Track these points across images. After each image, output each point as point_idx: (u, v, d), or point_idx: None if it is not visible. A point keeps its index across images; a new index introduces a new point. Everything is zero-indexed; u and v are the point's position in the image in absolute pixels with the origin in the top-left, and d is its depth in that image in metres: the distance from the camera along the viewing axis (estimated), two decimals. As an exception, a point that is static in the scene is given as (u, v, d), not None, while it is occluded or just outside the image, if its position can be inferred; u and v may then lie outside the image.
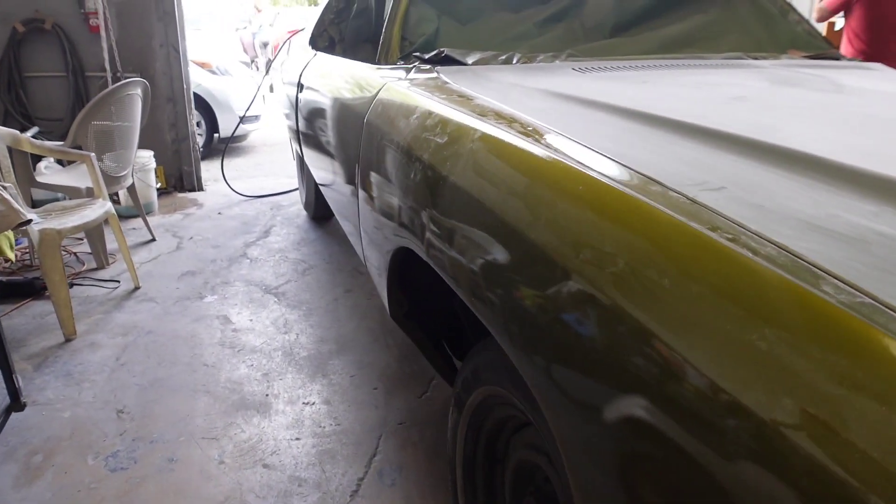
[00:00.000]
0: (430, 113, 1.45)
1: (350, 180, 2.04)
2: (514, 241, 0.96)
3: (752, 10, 2.51)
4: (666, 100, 1.39)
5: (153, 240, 4.02)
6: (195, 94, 5.86)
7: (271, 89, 4.53)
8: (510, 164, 1.07)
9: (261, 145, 7.26)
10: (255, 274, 3.52)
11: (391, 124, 1.61)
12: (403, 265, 1.67)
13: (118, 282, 3.37)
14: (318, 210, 4.22)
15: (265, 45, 14.02)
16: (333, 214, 4.12)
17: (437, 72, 1.82)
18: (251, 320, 2.98)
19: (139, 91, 3.67)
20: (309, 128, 2.90)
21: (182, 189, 5.16)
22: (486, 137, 1.19)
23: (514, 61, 1.93)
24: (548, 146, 1.06)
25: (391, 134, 1.59)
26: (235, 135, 6.44)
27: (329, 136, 2.41)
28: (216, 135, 6.42)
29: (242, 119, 5.51)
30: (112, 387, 2.40)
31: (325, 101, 2.50)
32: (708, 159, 0.95)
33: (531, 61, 1.93)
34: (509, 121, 1.25)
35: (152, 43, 4.78)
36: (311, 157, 3.02)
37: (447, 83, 1.68)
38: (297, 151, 4.31)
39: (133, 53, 4.74)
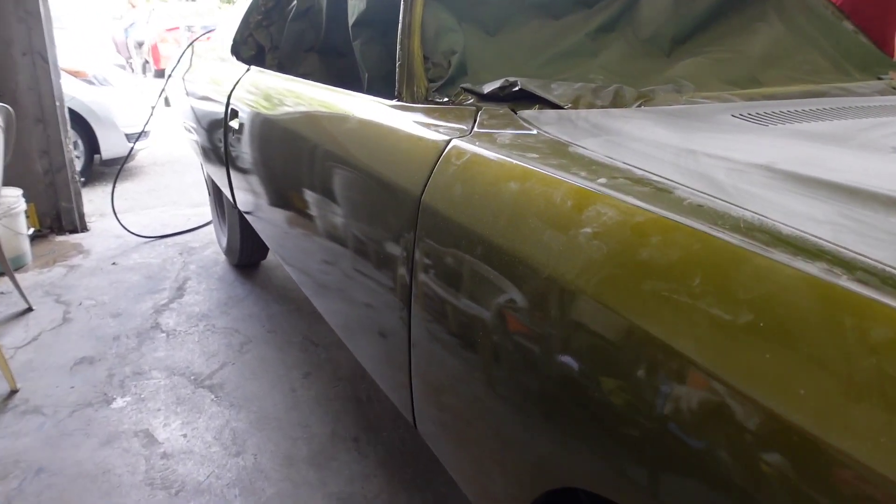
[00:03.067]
0: (617, 223, 0.77)
1: (384, 291, 1.30)
2: None
3: (811, 18, 1.98)
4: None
5: (29, 309, 3.09)
6: (69, 109, 4.85)
7: (167, 103, 3.63)
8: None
9: (151, 165, 6.24)
10: (176, 356, 2.69)
11: (512, 232, 0.91)
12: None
13: (-15, 385, 2.46)
14: (245, 256, 3.41)
15: (140, 44, 12.67)
16: (262, 258, 3.34)
17: (526, 121, 1.14)
18: (185, 435, 2.19)
19: (0, 118, 2.75)
20: (259, 175, 2.13)
21: (61, 230, 4.17)
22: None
23: (629, 101, 1.27)
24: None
25: (521, 254, 0.88)
26: (121, 155, 5.44)
27: (317, 205, 1.65)
28: (97, 156, 5.39)
29: (136, 138, 4.55)
30: None
31: (298, 149, 1.75)
32: None
33: (650, 100, 1.28)
34: (775, 240, 0.61)
35: (11, 51, 3.78)
36: (267, 217, 2.24)
37: (570, 145, 1.00)
38: (212, 185, 3.48)
39: (-14, 64, 3.73)
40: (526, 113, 1.19)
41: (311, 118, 1.69)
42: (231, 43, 2.78)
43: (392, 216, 1.20)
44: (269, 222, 2.20)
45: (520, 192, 0.90)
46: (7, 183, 3.76)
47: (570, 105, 1.22)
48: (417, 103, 1.34)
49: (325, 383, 2.50)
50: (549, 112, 1.20)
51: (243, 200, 2.44)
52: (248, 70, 2.40)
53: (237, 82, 2.38)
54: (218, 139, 2.58)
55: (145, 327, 2.93)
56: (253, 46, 2.80)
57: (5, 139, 2.80)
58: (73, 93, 5.03)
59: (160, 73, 14.01)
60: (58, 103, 3.97)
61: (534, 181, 0.90)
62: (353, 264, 1.45)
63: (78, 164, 5.07)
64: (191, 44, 3.61)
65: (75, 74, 5.19)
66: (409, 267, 1.12)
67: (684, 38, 1.78)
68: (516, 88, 1.25)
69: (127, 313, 3.07)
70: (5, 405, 2.35)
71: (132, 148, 4.47)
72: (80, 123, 5.15)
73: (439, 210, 1.05)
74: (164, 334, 2.87)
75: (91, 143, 5.27)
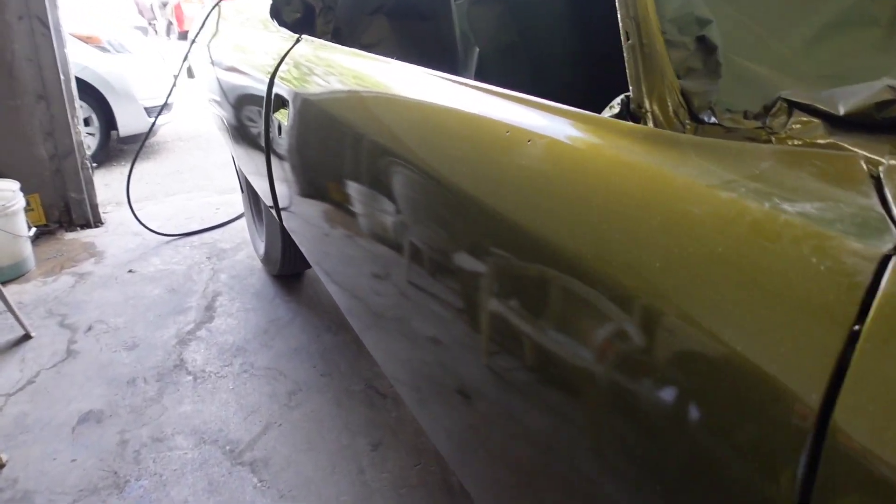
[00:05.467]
0: None
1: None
2: None
3: None
4: None
5: (27, 336, 2.50)
6: (81, 80, 4.25)
7: (190, 73, 2.96)
8: None
9: (174, 141, 5.62)
10: (206, 412, 2.09)
11: None
12: None
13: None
14: (288, 266, 2.79)
15: (163, 4, 11.98)
16: (308, 266, 2.72)
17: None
18: (220, 551, 1.59)
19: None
20: (322, 198, 1.47)
21: (71, 225, 3.58)
22: None
23: None
24: None
25: None
26: (140, 132, 4.82)
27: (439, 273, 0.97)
28: (113, 132, 4.78)
29: (158, 112, 3.89)
30: None
31: (408, 185, 1.06)
32: None
33: None
34: None
35: (5, 15, 3.14)
36: (328, 252, 1.59)
37: None
38: (245, 182, 2.85)
39: (-25, 31, 3.10)
40: None
41: (434, 137, 1.01)
42: (270, 2, 2.10)
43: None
44: (329, 257, 1.56)
45: None
46: (5, 172, 3.17)
47: None
48: (693, 131, 0.66)
49: (402, 460, 1.88)
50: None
51: (293, 221, 1.80)
52: (297, 41, 1.73)
53: (282, 58, 1.71)
54: (255, 131, 1.93)
55: (167, 366, 2.33)
56: (299, 7, 2.12)
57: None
58: (85, 62, 4.41)
59: (184, 35, 13.35)
60: (62, 76, 3.34)
61: None
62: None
63: (93, 143, 4.51)
64: (216, 4, 2.93)
65: (87, 40, 4.55)
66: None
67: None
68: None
69: (145, 343, 2.47)
70: (-16, 491, 1.78)
71: (153, 124, 3.81)
72: (95, 96, 4.53)
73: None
74: (190, 377, 2.27)
75: (107, 118, 4.65)
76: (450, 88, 1.02)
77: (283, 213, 1.90)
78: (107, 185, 4.35)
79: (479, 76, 1.34)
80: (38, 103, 3.34)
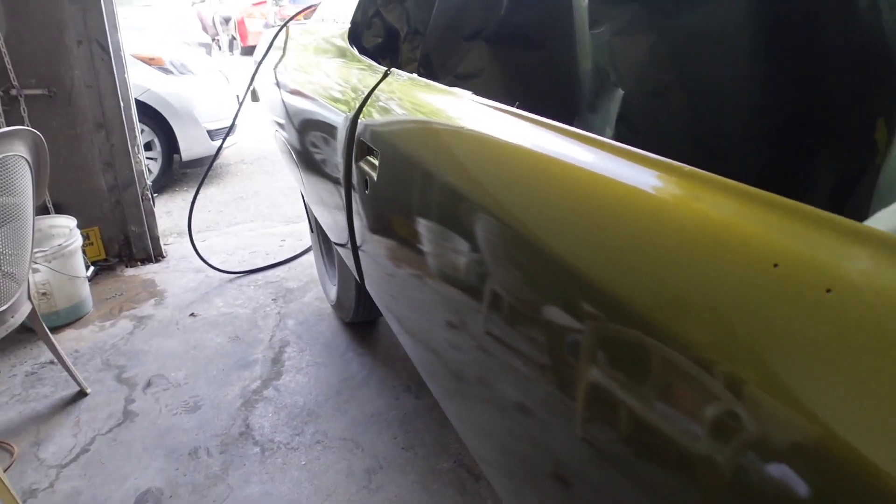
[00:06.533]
0: None
1: None
2: None
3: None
4: None
5: (82, 394, 2.29)
6: (143, 103, 4.09)
7: (255, 97, 2.71)
8: None
9: (237, 163, 5.44)
10: (275, 494, 1.83)
11: None
12: None
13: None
14: (361, 314, 2.51)
15: (227, 20, 12.01)
16: (379, 314, 2.45)
17: None
18: None
19: (23, 146, 1.91)
20: (418, 269, 1.16)
21: (131, 260, 3.39)
22: None
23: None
24: None
25: None
26: (203, 155, 4.66)
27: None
28: (176, 156, 4.62)
29: (223, 137, 3.65)
30: None
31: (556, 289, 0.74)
32: None
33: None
34: None
35: (64, 39, 2.97)
36: (418, 329, 1.30)
37: None
38: (315, 222, 2.59)
39: (33, 56, 2.93)
40: None
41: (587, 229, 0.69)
42: (349, 26, 1.83)
43: None
44: (431, 357, 1.26)
45: None
46: (64, 204, 3.00)
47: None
48: None
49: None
50: None
51: (381, 291, 1.50)
52: (385, 75, 1.44)
53: (368, 95, 1.43)
54: (332, 175, 1.65)
55: (232, 434, 2.07)
56: (380, 31, 1.85)
57: (35, 173, 1.97)
58: (147, 84, 4.26)
59: (248, 51, 13.37)
60: (122, 103, 3.15)
61: None
62: None
63: (154, 167, 4.34)
64: (284, 25, 2.69)
65: (150, 62, 4.40)
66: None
67: None
68: None
69: (208, 404, 2.23)
70: None
71: (220, 150, 3.52)
72: (157, 120, 4.37)
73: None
74: (257, 448, 2.01)
75: (169, 142, 4.49)
76: (604, 159, 0.72)
77: (365, 279, 1.61)
78: (168, 212, 4.17)
79: (623, 126, 1.02)
80: (98, 132, 3.16)
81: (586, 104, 1.26)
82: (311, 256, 3.34)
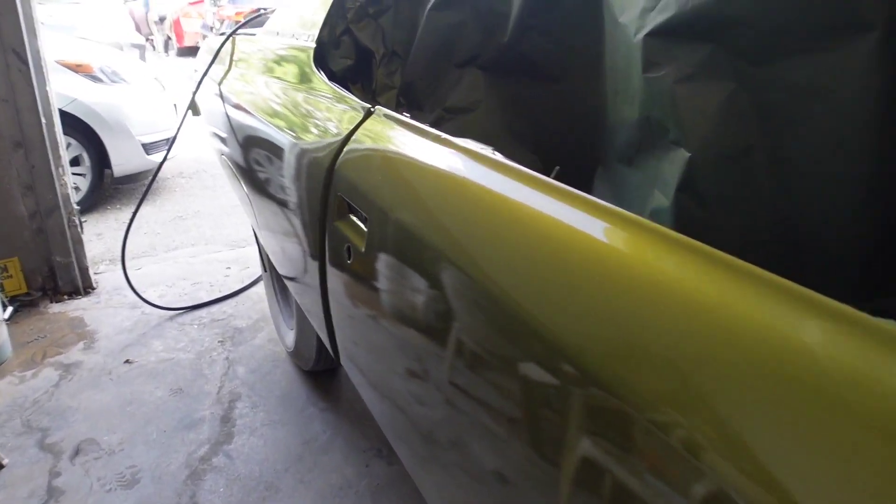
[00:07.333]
0: None
1: None
2: None
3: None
4: None
5: (-5, 466, 1.96)
6: (68, 113, 3.72)
7: (195, 111, 2.40)
8: None
9: (175, 177, 5.06)
10: None
11: None
12: None
13: None
14: (322, 363, 2.24)
15: (161, 19, 11.45)
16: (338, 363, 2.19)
17: None
18: None
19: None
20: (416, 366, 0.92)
21: (56, 293, 3.03)
22: None
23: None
24: None
25: None
26: (136, 171, 4.29)
27: None
28: (107, 171, 4.23)
29: (165, 154, 3.24)
30: None
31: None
32: None
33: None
34: None
35: (-26, 49, 2.60)
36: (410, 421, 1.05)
37: None
38: (268, 263, 2.32)
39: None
40: None
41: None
42: (314, 45, 1.56)
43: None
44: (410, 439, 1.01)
45: None
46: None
47: None
48: None
49: None
50: None
51: (363, 373, 1.24)
52: (368, 115, 1.18)
53: (346, 138, 1.16)
54: (298, 227, 1.39)
55: (177, 517, 1.78)
56: (350, 52, 1.58)
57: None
58: (74, 93, 3.88)
59: (184, 52, 12.79)
60: (44, 119, 2.79)
61: None
62: None
63: (83, 184, 3.96)
64: (229, 36, 2.39)
65: (77, 69, 4.01)
66: None
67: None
68: None
69: (148, 475, 1.92)
70: None
71: (159, 169, 3.05)
72: (86, 132, 3.98)
73: None
74: (207, 536, 1.72)
75: (100, 156, 4.10)
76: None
77: (344, 356, 1.35)
78: (99, 234, 3.80)
79: (686, 196, 0.80)
80: (16, 151, 2.79)
81: (620, 156, 1.04)
82: (260, 288, 3.04)
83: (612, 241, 0.65)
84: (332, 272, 1.18)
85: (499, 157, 0.86)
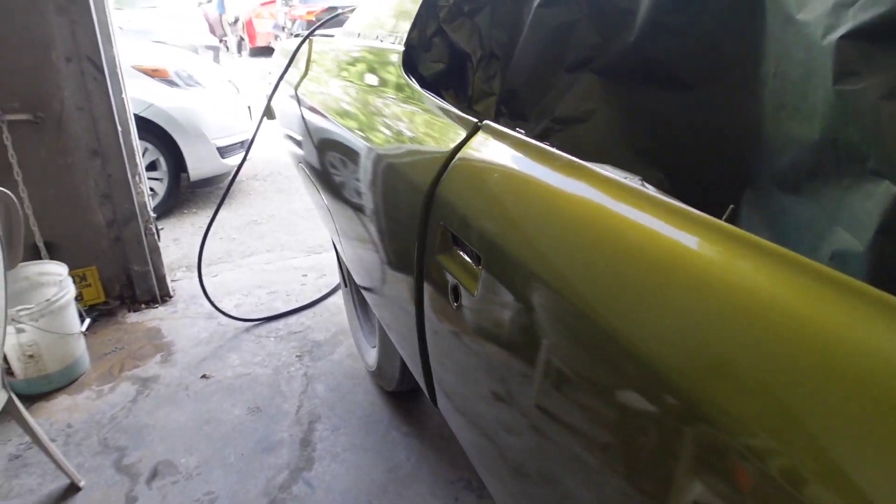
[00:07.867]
0: None
1: None
2: None
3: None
4: None
5: (74, 488, 1.90)
6: (145, 119, 3.70)
7: (270, 115, 2.27)
8: None
9: (249, 180, 5.03)
10: None
11: None
12: None
13: None
14: (406, 383, 2.10)
15: (235, 20, 11.59)
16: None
17: None
18: None
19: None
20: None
21: (134, 302, 3.00)
22: None
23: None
24: None
25: None
26: (213, 174, 4.27)
27: None
28: (184, 175, 4.22)
29: (242, 159, 3.11)
30: None
31: None
32: None
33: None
34: None
35: (51, 56, 2.56)
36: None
37: None
38: (348, 274, 2.19)
39: (15, 77, 2.53)
40: None
41: None
42: (403, 48, 1.40)
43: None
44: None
45: None
46: (56, 243, 2.62)
47: None
48: None
49: None
50: None
51: (466, 428, 1.09)
52: (475, 130, 1.01)
53: (451, 158, 1.00)
54: (389, 253, 1.24)
55: (256, 552, 1.67)
56: (443, 55, 1.43)
57: (5, 240, 1.56)
58: (150, 98, 3.86)
59: (257, 52, 12.95)
60: (120, 128, 2.75)
61: None
62: None
63: (160, 188, 3.94)
64: (306, 37, 2.27)
65: (153, 74, 4.00)
66: None
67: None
68: None
69: (225, 503, 1.83)
70: None
71: (236, 174, 2.90)
72: (163, 137, 3.97)
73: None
74: (288, 576, 1.60)
75: (176, 160, 4.08)
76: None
77: (442, 402, 1.20)
78: (176, 240, 3.77)
79: (889, 240, 0.61)
80: (93, 160, 2.76)
81: (782, 182, 0.84)
82: (337, 298, 2.94)
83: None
84: (432, 314, 1.03)
85: (651, 189, 0.69)
